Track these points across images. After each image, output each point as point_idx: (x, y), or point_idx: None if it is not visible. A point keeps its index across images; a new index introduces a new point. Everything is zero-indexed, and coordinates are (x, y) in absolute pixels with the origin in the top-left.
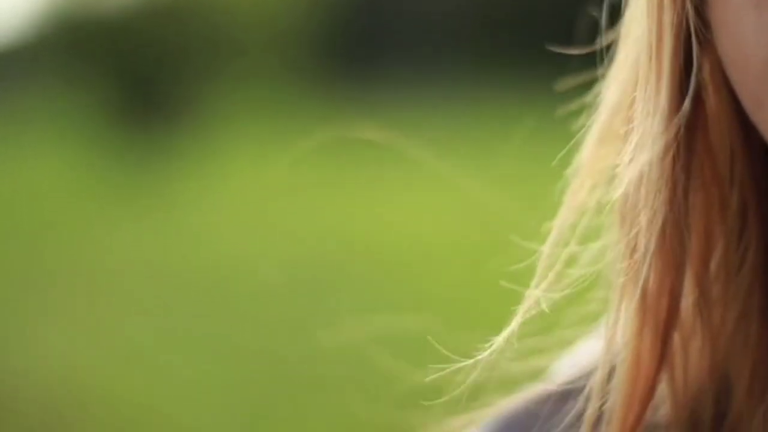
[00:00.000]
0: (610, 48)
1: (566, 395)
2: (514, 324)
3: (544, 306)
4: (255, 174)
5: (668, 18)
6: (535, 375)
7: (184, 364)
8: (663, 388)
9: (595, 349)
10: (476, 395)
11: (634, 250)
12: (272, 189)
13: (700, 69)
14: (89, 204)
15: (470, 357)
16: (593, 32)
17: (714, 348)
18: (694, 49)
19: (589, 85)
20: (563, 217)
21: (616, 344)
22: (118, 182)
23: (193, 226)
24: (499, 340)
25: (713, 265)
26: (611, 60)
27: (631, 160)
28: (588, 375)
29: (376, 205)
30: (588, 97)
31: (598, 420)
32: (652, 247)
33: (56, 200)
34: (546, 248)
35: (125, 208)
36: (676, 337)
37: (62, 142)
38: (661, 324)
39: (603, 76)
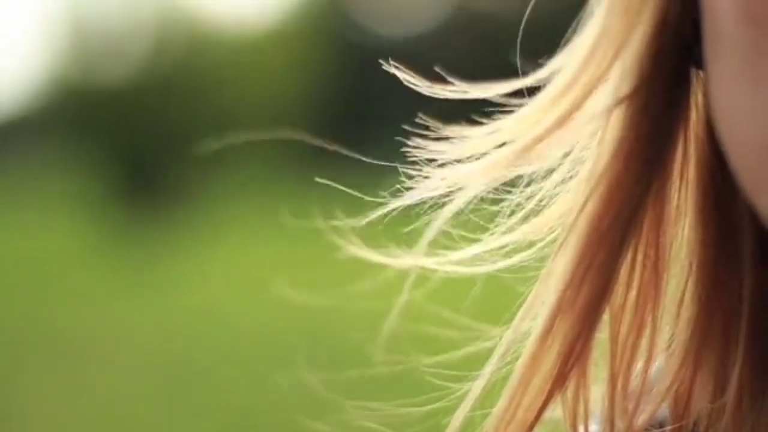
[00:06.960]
0: None
1: None
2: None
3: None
4: (250, 250)
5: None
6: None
7: None
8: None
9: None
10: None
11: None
12: (268, 265)
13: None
14: (88, 276)
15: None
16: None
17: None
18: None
19: None
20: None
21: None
22: (117, 255)
23: (189, 300)
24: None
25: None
26: None
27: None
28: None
29: (370, 274)
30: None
31: None
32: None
33: (56, 272)
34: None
35: (124, 280)
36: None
37: (63, 214)
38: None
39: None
